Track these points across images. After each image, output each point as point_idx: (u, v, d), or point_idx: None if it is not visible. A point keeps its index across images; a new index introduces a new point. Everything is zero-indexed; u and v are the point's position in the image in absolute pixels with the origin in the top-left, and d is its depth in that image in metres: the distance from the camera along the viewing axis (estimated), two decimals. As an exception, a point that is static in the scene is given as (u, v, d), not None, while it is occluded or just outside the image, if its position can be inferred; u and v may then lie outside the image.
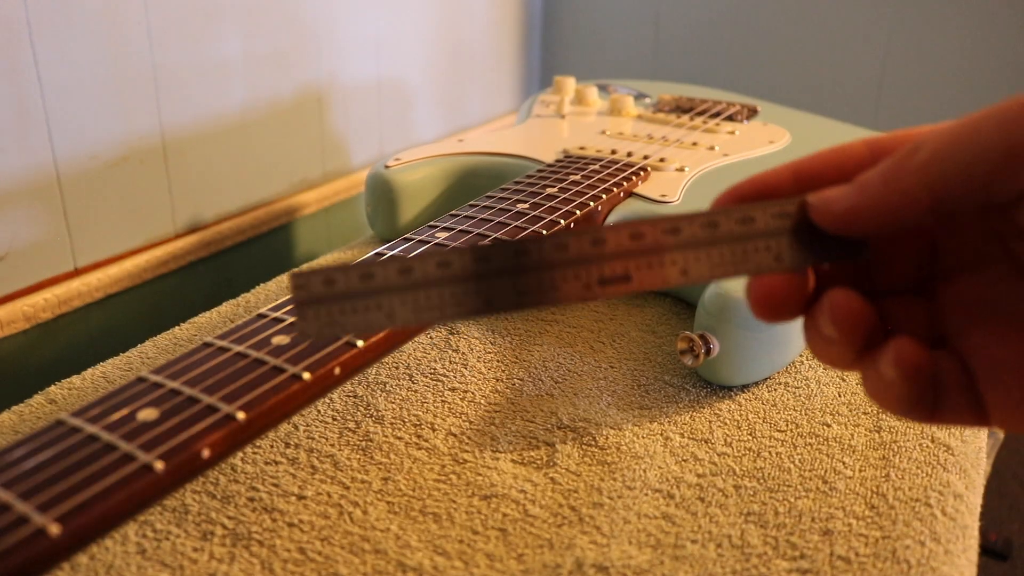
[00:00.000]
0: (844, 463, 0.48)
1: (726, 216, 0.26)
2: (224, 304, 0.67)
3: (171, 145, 0.85)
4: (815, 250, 0.26)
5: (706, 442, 0.50)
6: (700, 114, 0.89)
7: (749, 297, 0.27)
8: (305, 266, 0.73)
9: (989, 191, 0.23)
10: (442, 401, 0.53)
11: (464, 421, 0.51)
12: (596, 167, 0.69)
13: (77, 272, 0.79)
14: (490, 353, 0.59)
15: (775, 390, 0.55)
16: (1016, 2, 1.15)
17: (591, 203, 0.61)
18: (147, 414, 0.36)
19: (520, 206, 0.60)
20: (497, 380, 0.56)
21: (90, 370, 0.57)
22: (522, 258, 0.26)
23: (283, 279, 0.71)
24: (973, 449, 0.51)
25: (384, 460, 0.48)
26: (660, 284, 0.26)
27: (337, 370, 0.41)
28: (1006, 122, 0.22)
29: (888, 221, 0.24)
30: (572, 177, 0.66)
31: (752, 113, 0.90)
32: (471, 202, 0.61)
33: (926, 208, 0.24)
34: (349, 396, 0.53)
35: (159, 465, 0.34)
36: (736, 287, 0.53)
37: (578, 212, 0.59)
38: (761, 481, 0.46)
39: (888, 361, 0.25)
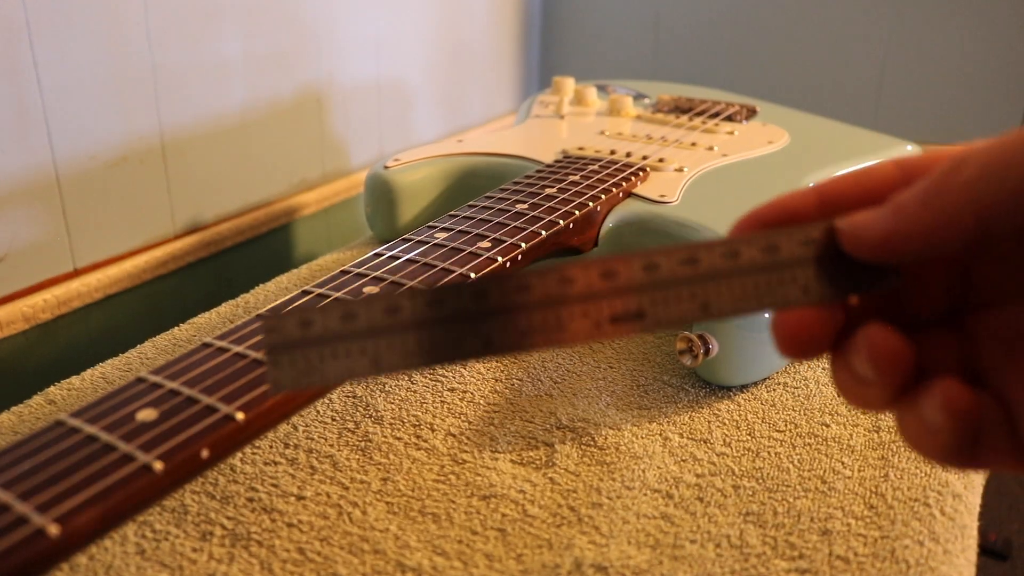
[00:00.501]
0: (843, 463, 0.48)
1: (748, 244, 0.24)
2: (223, 305, 0.67)
3: (170, 145, 0.85)
4: (845, 280, 0.24)
5: (705, 442, 0.50)
6: (699, 114, 0.89)
7: (775, 334, 0.24)
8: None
9: None
10: (441, 401, 0.53)
11: (463, 421, 0.51)
12: (595, 167, 0.69)
13: (76, 273, 0.79)
14: (489, 353, 0.59)
15: (774, 390, 0.55)
16: (1016, 2, 1.15)
17: (590, 203, 0.61)
18: (146, 414, 0.36)
19: (519, 206, 0.60)
20: (496, 380, 0.56)
21: (89, 371, 0.57)
22: (524, 295, 0.23)
23: (283, 279, 0.71)
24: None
25: (383, 460, 0.48)
26: (677, 321, 0.23)
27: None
28: None
29: (927, 247, 0.22)
30: (571, 177, 0.66)
31: (751, 113, 0.90)
32: (470, 203, 0.61)
33: (970, 231, 0.21)
34: (348, 396, 0.53)
35: (158, 465, 0.34)
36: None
37: (577, 212, 0.59)
38: (760, 481, 0.46)
39: (935, 405, 0.22)
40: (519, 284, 0.23)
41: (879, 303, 0.25)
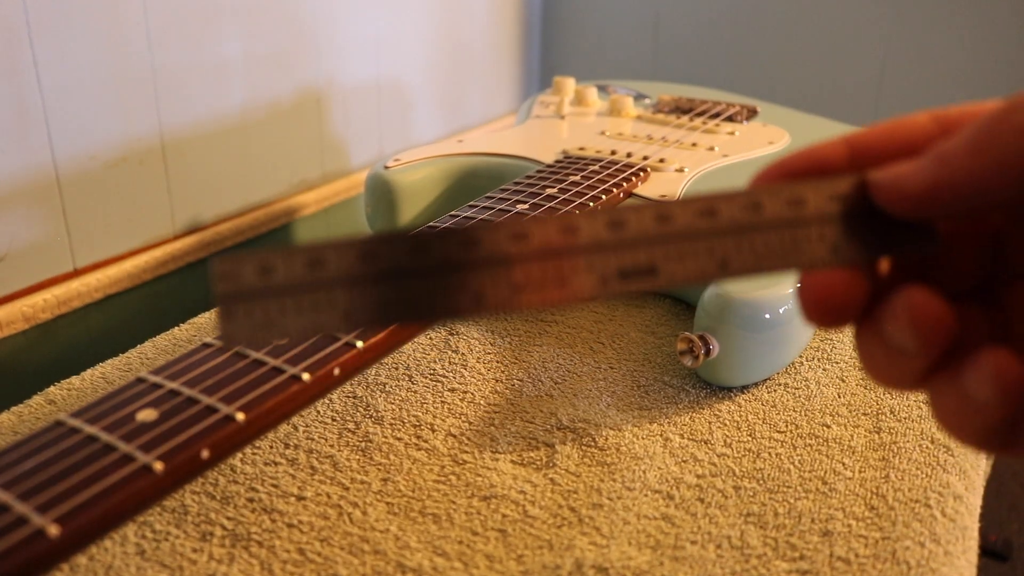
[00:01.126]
0: (844, 464, 0.48)
1: (772, 196, 0.22)
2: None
3: (170, 146, 0.85)
4: (878, 240, 0.22)
5: (706, 443, 0.50)
6: (699, 115, 0.89)
7: (801, 297, 0.22)
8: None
9: None
10: (441, 402, 0.53)
11: (464, 422, 0.51)
12: (596, 168, 0.69)
13: (76, 273, 0.79)
14: (490, 354, 0.59)
15: (775, 391, 0.55)
16: (1016, 2, 1.15)
17: (591, 204, 0.61)
18: (146, 415, 0.36)
19: (520, 206, 0.60)
20: (497, 381, 0.56)
21: (89, 371, 0.56)
22: (521, 244, 0.21)
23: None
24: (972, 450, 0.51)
25: (383, 461, 0.48)
26: (695, 277, 0.21)
27: (336, 371, 0.41)
28: None
29: (977, 198, 0.20)
30: (572, 178, 0.66)
31: (752, 114, 0.90)
32: (471, 203, 0.61)
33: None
34: (348, 397, 0.53)
35: (158, 466, 0.34)
36: (737, 287, 0.53)
37: (578, 213, 0.59)
38: (761, 482, 0.46)
39: (982, 378, 0.20)
40: (515, 232, 0.21)
41: (908, 272, 0.23)
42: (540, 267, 0.21)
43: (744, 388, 0.55)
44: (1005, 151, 0.20)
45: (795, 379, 0.56)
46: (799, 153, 0.23)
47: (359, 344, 0.43)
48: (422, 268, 0.20)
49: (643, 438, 0.50)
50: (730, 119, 0.87)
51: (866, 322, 0.22)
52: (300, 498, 0.45)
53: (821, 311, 0.22)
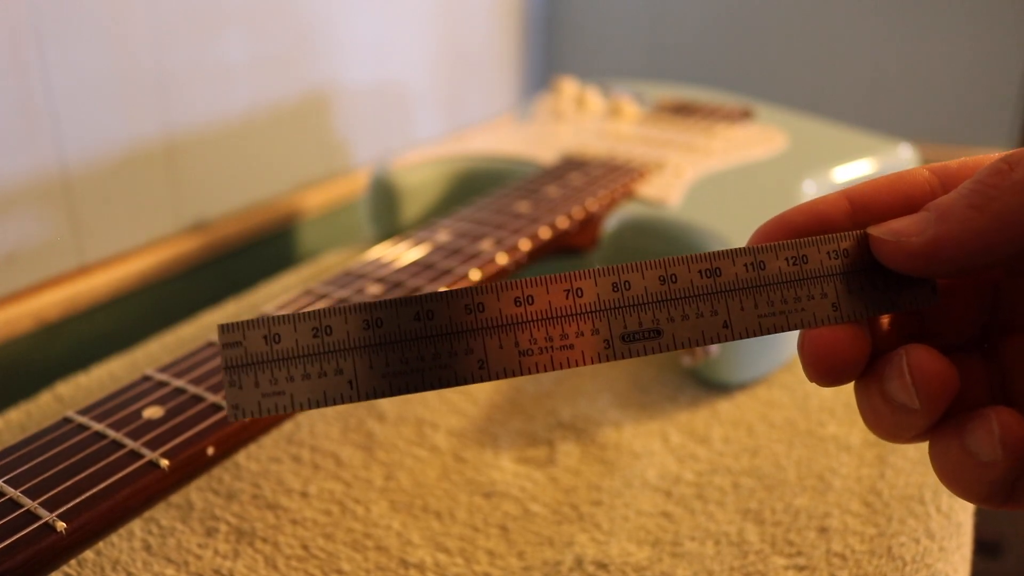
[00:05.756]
0: (840, 461, 0.48)
1: (774, 254, 0.22)
2: (228, 303, 0.67)
3: (176, 147, 0.86)
4: (879, 296, 0.22)
5: (704, 441, 0.50)
6: (699, 116, 0.89)
7: (804, 355, 0.22)
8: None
9: None
10: (443, 400, 0.54)
11: (465, 420, 0.52)
12: (595, 168, 0.70)
13: (84, 272, 0.80)
14: (491, 352, 0.59)
15: (773, 389, 0.55)
16: (1016, 3, 1.15)
17: (591, 204, 0.62)
18: (152, 412, 0.37)
19: (520, 207, 0.60)
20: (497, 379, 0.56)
21: (96, 368, 0.57)
22: (526, 307, 0.21)
23: (286, 278, 0.72)
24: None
25: (386, 458, 0.48)
26: (697, 340, 0.22)
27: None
28: None
29: (976, 256, 0.20)
30: (571, 178, 0.67)
31: (750, 115, 0.90)
32: (471, 203, 0.62)
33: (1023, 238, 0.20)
34: (351, 395, 0.54)
35: (164, 462, 0.34)
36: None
37: (578, 213, 0.60)
38: (759, 479, 0.47)
39: (987, 438, 0.20)
40: (520, 295, 0.21)
41: (908, 327, 0.24)
42: (545, 331, 0.21)
43: (742, 387, 0.56)
44: (1005, 205, 0.20)
45: (792, 378, 0.57)
46: (800, 208, 0.23)
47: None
48: (427, 334, 0.21)
49: (642, 436, 0.51)
50: (729, 121, 0.88)
51: (867, 377, 0.22)
52: (304, 494, 0.45)
53: (824, 368, 0.22)
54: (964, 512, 0.46)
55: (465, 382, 0.21)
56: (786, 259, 0.22)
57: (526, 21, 1.45)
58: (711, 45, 1.37)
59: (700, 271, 0.22)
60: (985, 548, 0.81)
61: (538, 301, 0.21)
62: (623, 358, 0.21)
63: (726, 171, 0.73)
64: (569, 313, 0.21)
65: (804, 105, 1.24)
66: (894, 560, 0.41)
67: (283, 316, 0.20)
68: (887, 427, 0.22)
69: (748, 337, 0.22)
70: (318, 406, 0.20)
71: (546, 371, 0.21)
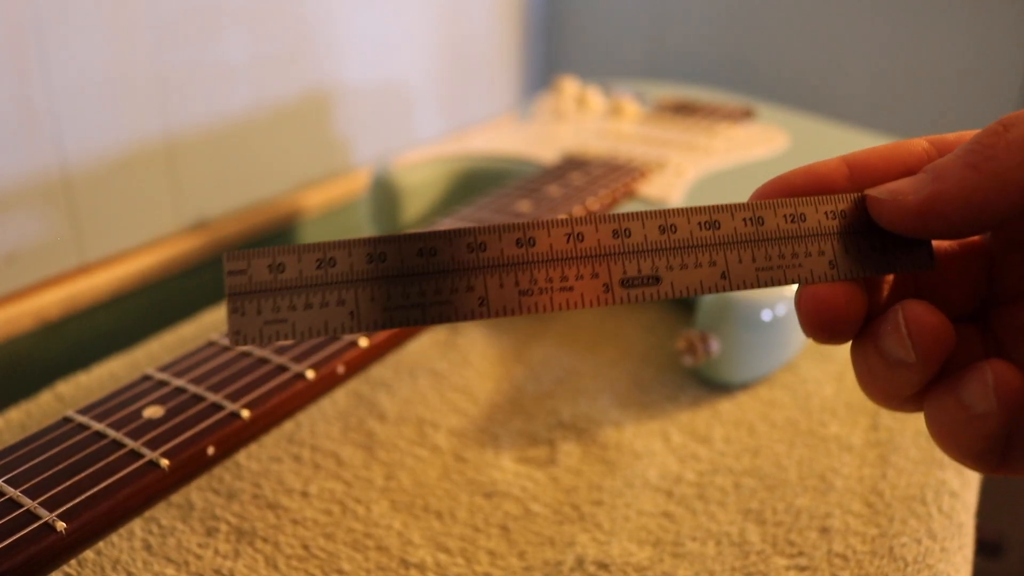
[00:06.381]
0: (842, 461, 0.48)
1: (772, 210, 0.22)
2: (228, 303, 0.67)
3: (176, 146, 0.86)
4: (876, 257, 0.22)
5: (706, 441, 0.50)
6: (700, 116, 0.89)
7: (800, 310, 0.23)
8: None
9: None
10: (444, 400, 0.54)
11: (466, 420, 0.52)
12: (596, 168, 0.70)
13: (84, 272, 0.80)
14: (491, 352, 0.59)
15: (774, 389, 0.55)
16: (1016, 3, 1.15)
17: (591, 204, 0.61)
18: (153, 411, 0.37)
19: (521, 207, 0.60)
20: (498, 379, 0.56)
21: (97, 367, 0.57)
22: (527, 248, 0.22)
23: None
24: (970, 448, 0.51)
25: (387, 458, 0.48)
26: (695, 288, 0.22)
27: (340, 368, 0.42)
28: None
29: (971, 215, 0.21)
30: (572, 178, 0.67)
31: (752, 115, 0.90)
32: (472, 203, 0.62)
33: (1020, 195, 0.20)
34: (352, 394, 0.54)
35: (165, 462, 0.34)
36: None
37: (578, 213, 0.60)
38: (760, 479, 0.47)
39: (982, 390, 0.20)
40: (522, 237, 0.22)
41: (905, 295, 0.24)
42: (545, 272, 0.21)
43: (743, 386, 0.56)
44: (1000, 164, 0.20)
45: (794, 378, 0.56)
46: (799, 170, 0.24)
47: (363, 342, 0.43)
48: (429, 270, 0.21)
49: (644, 436, 0.51)
50: (730, 120, 0.88)
51: (863, 338, 0.23)
52: (304, 494, 0.45)
53: (820, 324, 0.22)
54: (966, 513, 0.46)
55: (465, 318, 0.21)
56: (784, 216, 0.22)
57: (527, 20, 1.45)
58: (712, 44, 1.37)
59: (700, 223, 0.22)
60: (986, 548, 0.81)
61: (539, 243, 0.22)
62: (622, 303, 0.22)
63: (727, 170, 0.73)
64: (569, 256, 0.22)
65: (805, 105, 1.24)
66: (896, 561, 0.41)
67: (288, 247, 0.21)
68: (882, 387, 0.22)
69: (745, 289, 0.22)
70: (319, 335, 0.21)
71: (545, 311, 0.21)
